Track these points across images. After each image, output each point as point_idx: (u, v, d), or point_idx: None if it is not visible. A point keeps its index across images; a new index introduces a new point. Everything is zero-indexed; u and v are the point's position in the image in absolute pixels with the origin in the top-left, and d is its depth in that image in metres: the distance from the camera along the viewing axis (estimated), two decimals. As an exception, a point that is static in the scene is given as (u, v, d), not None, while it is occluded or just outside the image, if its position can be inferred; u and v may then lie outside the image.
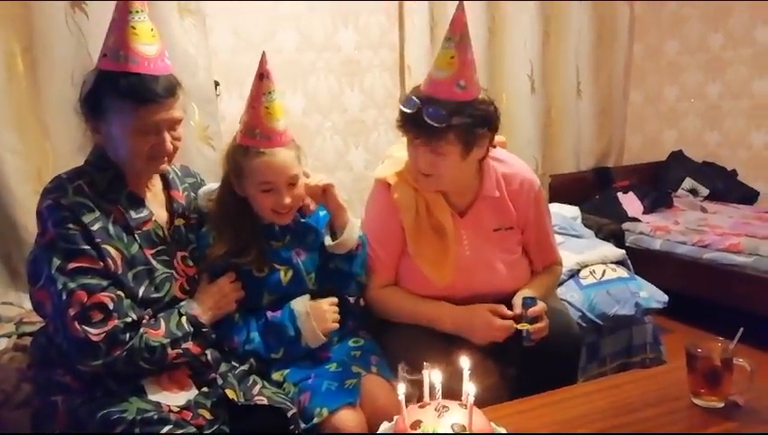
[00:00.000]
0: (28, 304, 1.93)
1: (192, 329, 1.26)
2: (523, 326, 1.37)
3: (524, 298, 1.40)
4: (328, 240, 1.42)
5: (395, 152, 1.57)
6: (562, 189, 3.07)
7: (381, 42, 2.89)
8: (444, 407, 1.03)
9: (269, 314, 1.39)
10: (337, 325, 1.41)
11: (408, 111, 1.33)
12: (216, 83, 2.42)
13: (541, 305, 1.39)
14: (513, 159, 1.56)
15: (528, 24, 3.13)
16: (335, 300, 1.43)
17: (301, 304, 1.39)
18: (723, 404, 1.18)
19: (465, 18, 1.32)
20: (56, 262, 1.16)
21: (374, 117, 2.93)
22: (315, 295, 1.43)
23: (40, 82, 2.10)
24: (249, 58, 1.34)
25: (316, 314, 1.37)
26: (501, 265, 1.50)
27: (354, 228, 1.44)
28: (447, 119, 1.29)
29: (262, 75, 1.31)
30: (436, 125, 1.29)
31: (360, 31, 2.83)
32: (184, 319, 1.26)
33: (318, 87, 2.78)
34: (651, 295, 2.04)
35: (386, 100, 2.94)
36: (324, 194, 1.42)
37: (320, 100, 2.80)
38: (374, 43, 2.87)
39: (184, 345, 1.24)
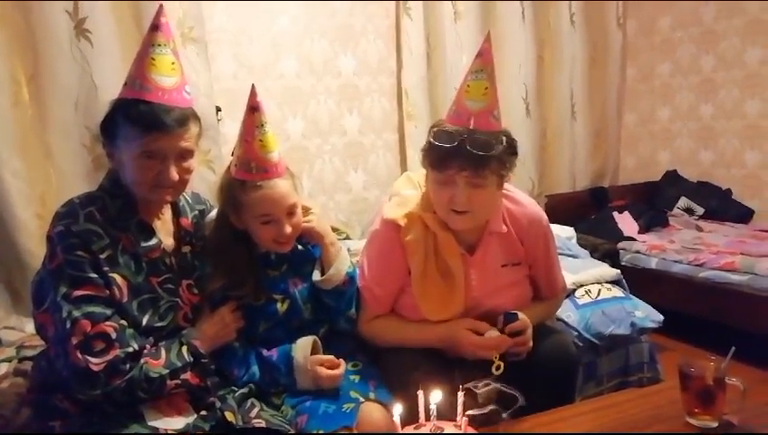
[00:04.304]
0: (29, 329, 1.95)
1: (192, 359, 1.27)
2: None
3: (506, 314, 1.40)
4: (316, 275, 1.43)
5: (402, 189, 1.55)
6: (558, 209, 3.10)
7: (380, 68, 2.96)
8: (439, 428, 1.05)
9: (264, 352, 1.39)
10: (335, 386, 1.38)
11: (449, 145, 1.30)
12: (218, 109, 2.47)
13: (521, 321, 1.40)
14: (520, 194, 1.55)
15: (522, 48, 3.20)
16: (340, 366, 1.39)
17: (301, 353, 1.37)
18: (717, 424, 1.18)
19: (491, 49, 1.34)
20: (63, 289, 1.17)
21: (372, 140, 2.98)
22: (318, 335, 1.43)
23: (44, 108, 2.15)
24: (251, 84, 1.36)
25: (315, 375, 1.36)
26: (507, 300, 1.49)
27: (343, 264, 1.44)
28: (492, 147, 1.30)
29: (253, 108, 1.31)
30: (483, 154, 1.29)
31: (359, 57, 2.90)
32: (185, 348, 1.27)
33: (318, 111, 2.84)
34: (646, 315, 2.06)
35: (384, 123, 3.00)
36: (307, 234, 1.42)
37: (320, 123, 2.85)
38: (372, 69, 2.94)
39: (183, 376, 1.25)
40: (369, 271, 1.50)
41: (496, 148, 1.31)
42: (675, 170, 3.57)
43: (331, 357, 1.40)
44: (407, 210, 1.46)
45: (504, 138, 1.35)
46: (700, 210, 3.36)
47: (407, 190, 1.53)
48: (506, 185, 1.55)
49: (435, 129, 1.37)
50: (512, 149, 1.37)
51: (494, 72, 1.35)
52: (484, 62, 1.34)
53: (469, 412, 1.11)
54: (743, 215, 3.24)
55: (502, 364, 1.37)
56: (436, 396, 1.07)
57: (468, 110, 1.33)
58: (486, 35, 1.37)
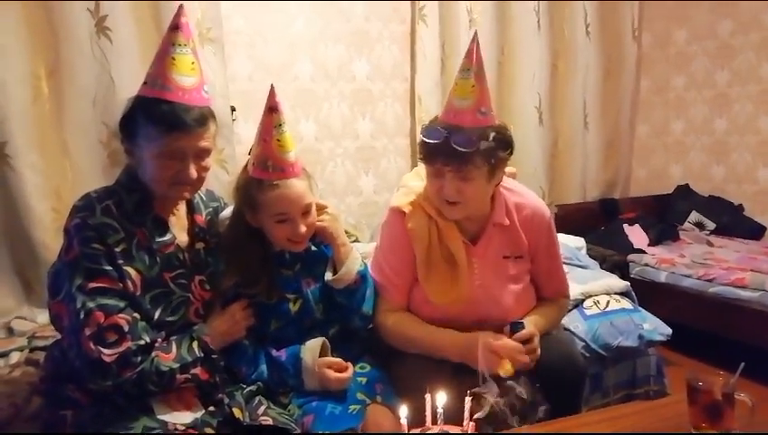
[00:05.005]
0: (41, 319, 1.98)
1: (202, 354, 1.28)
2: None
3: (512, 323, 1.42)
4: (328, 275, 1.44)
5: (409, 181, 1.61)
6: (568, 220, 3.09)
7: (393, 73, 2.98)
8: (445, 432, 1.05)
9: (273, 352, 1.41)
10: (343, 388, 1.39)
11: (435, 141, 1.36)
12: (233, 108, 2.50)
13: (528, 330, 1.41)
14: (524, 189, 1.59)
15: (537, 57, 3.21)
16: (348, 369, 1.41)
17: (310, 354, 1.39)
18: (724, 438, 1.18)
19: (480, 48, 1.37)
20: (78, 280, 1.19)
21: (384, 144, 3.00)
22: (328, 335, 1.45)
23: (63, 104, 2.18)
24: (266, 85, 1.36)
25: (323, 377, 1.37)
26: (508, 292, 1.51)
27: (354, 264, 1.45)
28: (475, 144, 1.33)
29: (272, 108, 1.33)
30: (465, 150, 1.32)
31: (374, 62, 2.92)
32: (195, 344, 1.28)
33: (331, 114, 2.86)
34: (655, 328, 2.05)
35: (396, 128, 3.02)
36: (320, 234, 1.44)
37: (333, 127, 2.87)
38: (386, 74, 2.97)
39: (192, 371, 1.26)
40: (384, 258, 1.53)
41: (480, 144, 1.34)
42: (686, 184, 3.56)
43: (339, 360, 1.41)
44: (411, 199, 1.51)
45: (493, 133, 1.37)
46: (711, 225, 3.34)
47: (413, 182, 1.58)
48: (511, 181, 1.58)
49: (426, 124, 1.42)
50: (502, 143, 1.39)
51: (483, 70, 1.37)
52: (470, 61, 1.37)
53: (477, 415, 1.11)
54: (754, 231, 3.22)
55: (510, 366, 1.35)
56: (444, 399, 1.07)
57: (455, 107, 1.38)
58: (473, 35, 1.40)
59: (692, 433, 1.17)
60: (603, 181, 3.63)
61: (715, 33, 3.40)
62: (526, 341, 1.40)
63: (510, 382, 1.37)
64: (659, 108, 3.72)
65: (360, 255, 1.50)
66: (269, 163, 1.34)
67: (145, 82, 1.26)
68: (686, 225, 3.39)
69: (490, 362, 1.36)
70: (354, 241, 2.52)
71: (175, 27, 1.25)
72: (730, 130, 3.38)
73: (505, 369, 1.35)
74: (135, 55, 2.23)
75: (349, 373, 1.40)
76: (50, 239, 2.08)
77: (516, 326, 1.41)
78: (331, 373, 1.38)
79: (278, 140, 1.33)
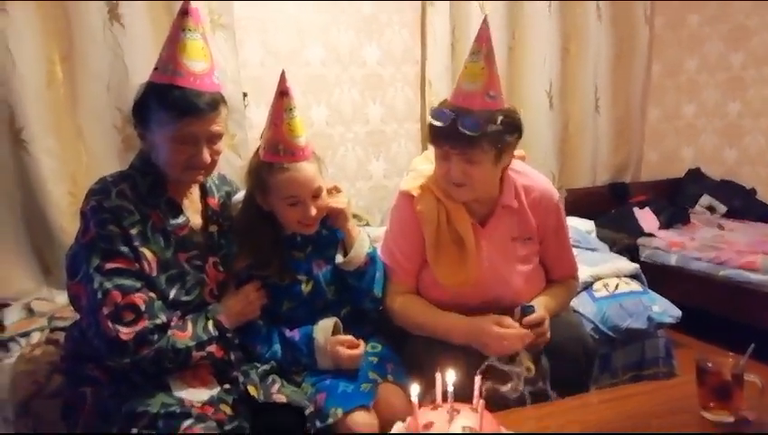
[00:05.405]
0: (60, 300, 2.02)
1: (217, 333, 1.31)
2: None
3: (522, 306, 1.43)
4: (338, 257, 1.46)
5: (418, 165, 1.62)
6: (578, 204, 3.08)
7: (404, 57, 2.97)
8: (455, 410, 1.07)
9: (287, 332, 1.44)
10: (355, 366, 1.42)
11: (442, 123, 1.36)
12: (245, 94, 2.51)
13: (538, 314, 1.42)
14: (533, 171, 1.60)
15: (547, 41, 3.17)
16: (360, 346, 1.43)
17: (322, 334, 1.42)
18: (732, 419, 1.18)
19: (490, 32, 1.38)
20: (95, 261, 1.22)
21: (394, 129, 3.00)
22: (340, 316, 1.48)
23: (77, 89, 2.20)
24: (277, 71, 1.37)
25: (335, 355, 1.40)
26: (517, 274, 1.52)
27: (363, 246, 1.47)
28: (483, 127, 1.33)
29: (282, 93, 1.34)
30: (472, 134, 1.33)
31: (384, 47, 2.91)
32: (210, 323, 1.31)
33: (342, 99, 2.86)
34: (664, 310, 2.05)
35: (406, 113, 3.02)
36: (336, 216, 1.46)
37: (343, 111, 2.88)
38: (397, 59, 2.95)
39: (208, 349, 1.30)
40: (394, 242, 1.55)
41: (488, 127, 1.34)
42: (698, 168, 3.53)
43: (351, 337, 1.44)
44: (420, 182, 1.52)
45: (502, 117, 1.37)
46: (722, 209, 3.31)
47: (423, 165, 1.59)
48: (520, 163, 1.58)
49: (434, 107, 1.42)
50: (510, 127, 1.39)
51: (492, 53, 1.37)
52: (479, 44, 1.37)
53: (503, 389, 1.12)
54: (766, 215, 3.19)
55: (533, 366, 1.38)
56: (454, 378, 1.09)
57: (464, 90, 1.38)
58: (484, 19, 1.40)
59: (702, 433, 1.18)
60: (614, 165, 3.60)
61: (728, 14, 3.34)
62: (537, 324, 1.41)
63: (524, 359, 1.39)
64: (671, 91, 3.68)
65: (368, 237, 1.51)
66: (280, 147, 1.35)
67: (156, 68, 1.27)
68: (697, 208, 3.37)
69: (500, 349, 1.37)
70: (365, 225, 2.54)
71: (184, 12, 1.26)
72: (743, 113, 3.34)
73: (528, 368, 1.37)
74: (148, 41, 2.24)
75: (360, 350, 1.42)
76: (67, 223, 2.11)
77: (527, 310, 1.42)
78: (344, 351, 1.41)
79: (288, 124, 1.34)
